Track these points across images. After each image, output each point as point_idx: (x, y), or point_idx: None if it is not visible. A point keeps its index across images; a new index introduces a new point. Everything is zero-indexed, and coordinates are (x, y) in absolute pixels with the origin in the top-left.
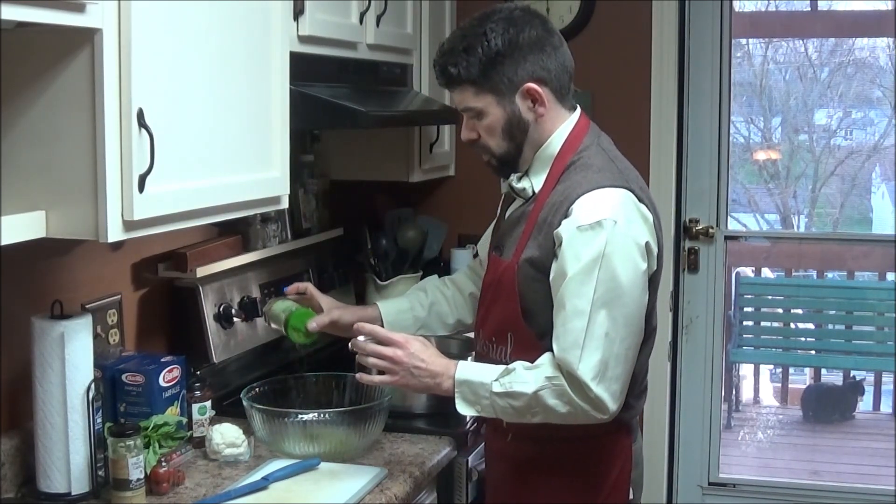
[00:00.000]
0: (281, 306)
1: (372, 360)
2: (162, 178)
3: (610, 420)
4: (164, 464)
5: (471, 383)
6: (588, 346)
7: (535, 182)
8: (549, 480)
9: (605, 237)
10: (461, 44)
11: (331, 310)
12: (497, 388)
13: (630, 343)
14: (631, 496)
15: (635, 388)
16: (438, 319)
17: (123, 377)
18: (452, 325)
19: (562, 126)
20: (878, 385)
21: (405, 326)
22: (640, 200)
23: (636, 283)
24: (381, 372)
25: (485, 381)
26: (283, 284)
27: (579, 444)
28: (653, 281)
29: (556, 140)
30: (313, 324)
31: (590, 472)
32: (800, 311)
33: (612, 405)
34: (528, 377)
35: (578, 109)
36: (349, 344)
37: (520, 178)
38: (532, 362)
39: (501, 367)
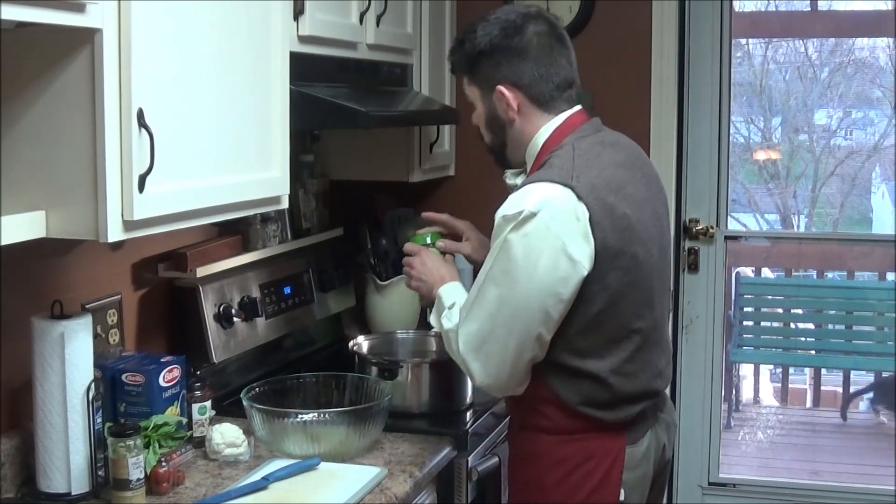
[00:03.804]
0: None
1: (405, 268)
2: (162, 178)
3: (492, 393)
4: (164, 464)
5: (440, 300)
6: (472, 313)
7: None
8: (539, 472)
9: (518, 226)
10: (461, 36)
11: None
12: (443, 315)
13: (517, 333)
14: (622, 497)
15: (620, 391)
16: None
17: (123, 377)
18: None
19: (544, 127)
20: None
21: None
22: (581, 198)
23: (537, 278)
24: None
25: (444, 305)
26: (283, 285)
27: (566, 439)
28: (600, 281)
29: (540, 137)
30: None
31: (575, 468)
32: (800, 311)
33: (482, 378)
34: (452, 316)
35: (570, 111)
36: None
37: (516, 175)
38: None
39: (456, 301)
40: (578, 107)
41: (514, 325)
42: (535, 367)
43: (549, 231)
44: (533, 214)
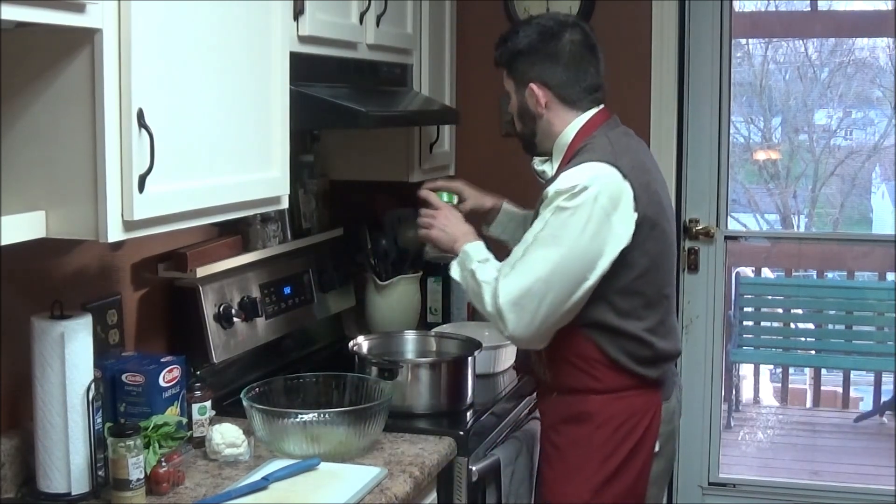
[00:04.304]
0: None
1: (423, 219)
2: (162, 178)
3: (516, 343)
4: (164, 464)
5: (467, 254)
6: (517, 270)
7: (554, 167)
8: (590, 430)
9: (571, 197)
10: (506, 34)
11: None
12: (474, 267)
13: (554, 293)
14: (657, 449)
15: (658, 348)
16: None
17: (123, 377)
18: None
19: (574, 121)
20: (878, 385)
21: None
22: (626, 177)
23: (582, 245)
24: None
25: (473, 258)
26: (283, 285)
27: (614, 397)
28: (641, 248)
29: (570, 132)
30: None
31: (621, 424)
32: (800, 311)
33: (513, 329)
34: (488, 269)
35: (595, 109)
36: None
37: (543, 162)
38: (561, 336)
39: (489, 257)
40: (602, 106)
41: (554, 286)
42: (584, 330)
43: (597, 203)
44: (585, 188)
